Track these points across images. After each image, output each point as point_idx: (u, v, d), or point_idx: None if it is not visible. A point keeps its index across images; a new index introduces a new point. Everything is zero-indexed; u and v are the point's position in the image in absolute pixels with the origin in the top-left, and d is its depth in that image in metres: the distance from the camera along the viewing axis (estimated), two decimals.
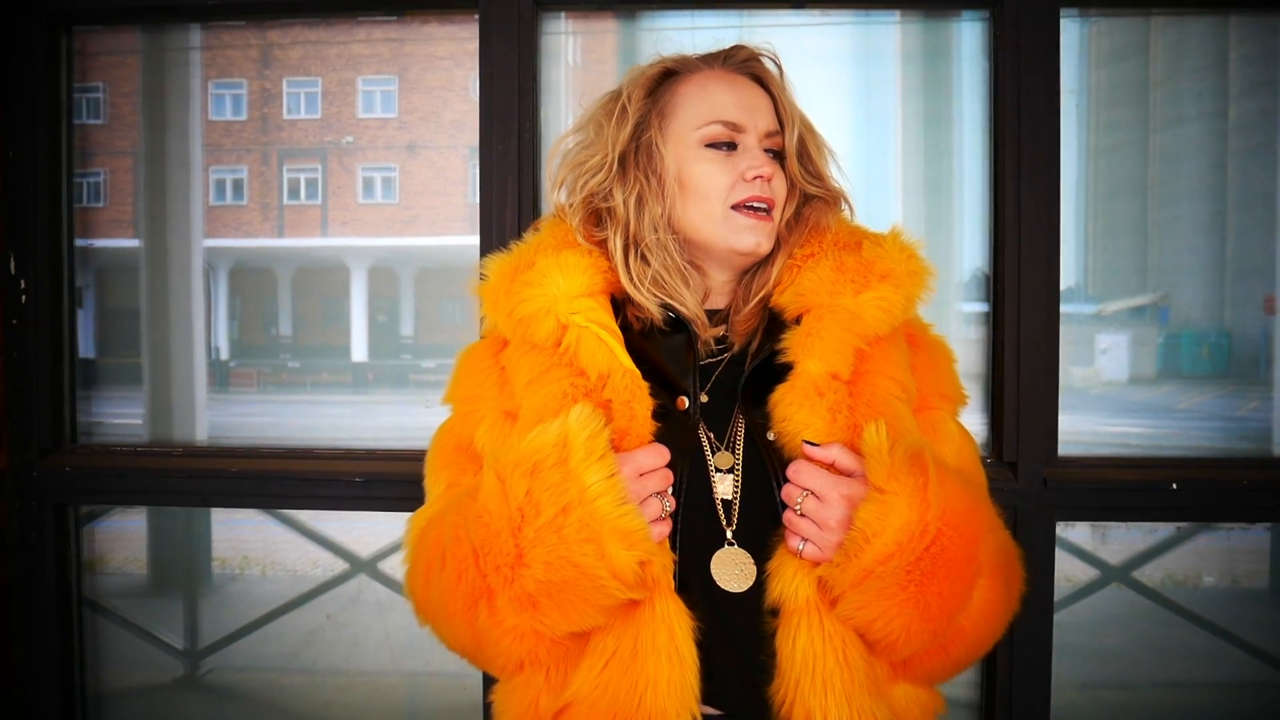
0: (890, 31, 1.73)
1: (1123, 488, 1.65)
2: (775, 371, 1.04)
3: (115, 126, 1.88)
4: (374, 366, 2.01)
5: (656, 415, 1.00)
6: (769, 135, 1.09)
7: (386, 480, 1.70)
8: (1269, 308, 1.67)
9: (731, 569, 0.99)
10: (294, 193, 1.96)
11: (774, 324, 1.08)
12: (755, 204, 1.06)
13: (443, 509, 1.04)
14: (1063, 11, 1.62)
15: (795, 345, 1.03)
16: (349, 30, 1.82)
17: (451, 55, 1.72)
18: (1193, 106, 1.63)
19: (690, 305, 1.06)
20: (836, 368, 1.01)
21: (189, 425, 1.92)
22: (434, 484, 1.12)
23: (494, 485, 0.92)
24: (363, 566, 1.93)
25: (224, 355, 1.98)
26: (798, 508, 0.95)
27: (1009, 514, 1.63)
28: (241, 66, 1.85)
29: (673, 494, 0.97)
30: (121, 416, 1.92)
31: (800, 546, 0.95)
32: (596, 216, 1.11)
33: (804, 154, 1.11)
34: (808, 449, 0.96)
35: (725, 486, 1.02)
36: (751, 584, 0.98)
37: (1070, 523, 1.78)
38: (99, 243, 1.92)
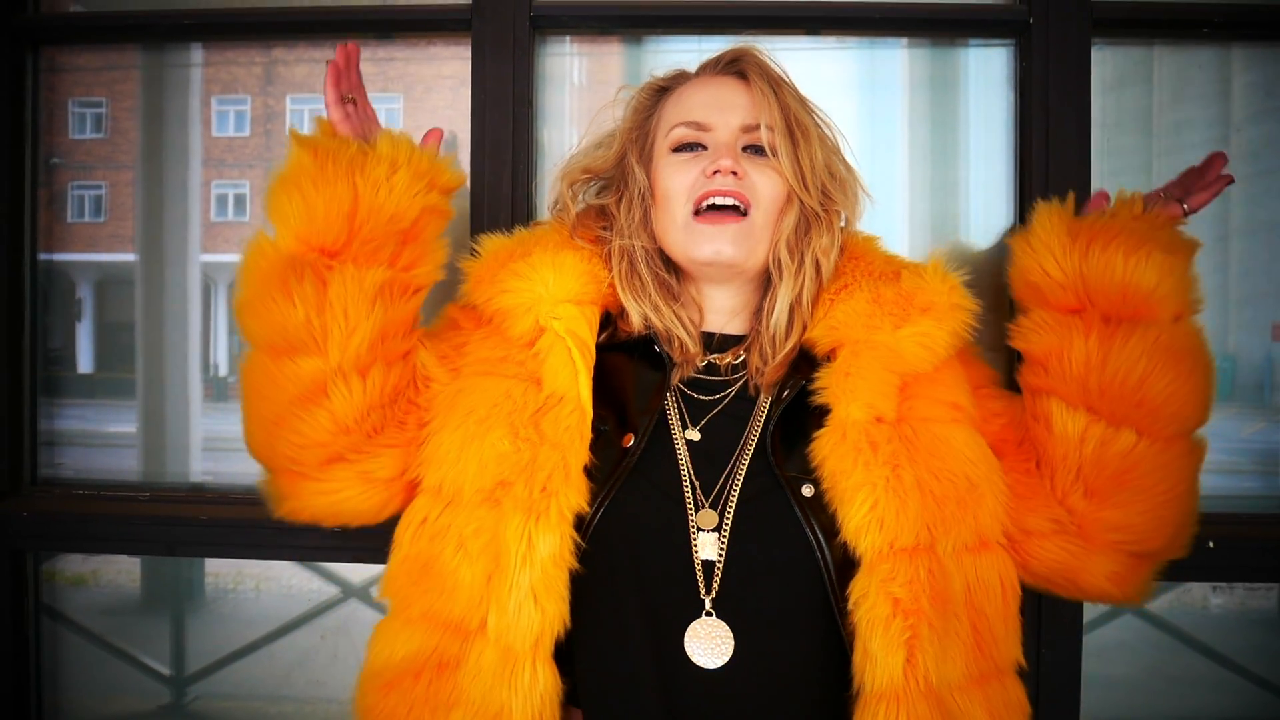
0: (897, 56, 1.71)
1: None
2: (805, 415, 0.93)
3: (117, 141, 1.87)
4: None
5: (594, 446, 0.91)
6: (747, 130, 0.98)
7: (373, 529, 1.61)
8: (1277, 334, 1.66)
9: (706, 642, 0.87)
10: None
11: (803, 360, 0.98)
12: (717, 199, 0.95)
13: None
14: (1094, 41, 1.48)
15: (832, 385, 0.92)
16: None
17: (456, 75, 1.71)
18: (1196, 134, 1.63)
19: (667, 318, 0.98)
20: (881, 410, 0.91)
21: (183, 435, 1.88)
22: None
23: None
24: (354, 591, 1.88)
25: (223, 371, 1.96)
26: None
27: None
28: (245, 83, 1.84)
29: (580, 532, 0.90)
30: (119, 423, 1.89)
31: None
32: (598, 212, 1.06)
33: (792, 151, 0.97)
34: None
35: (708, 547, 0.89)
36: (727, 660, 0.86)
37: None
38: (98, 257, 1.90)
